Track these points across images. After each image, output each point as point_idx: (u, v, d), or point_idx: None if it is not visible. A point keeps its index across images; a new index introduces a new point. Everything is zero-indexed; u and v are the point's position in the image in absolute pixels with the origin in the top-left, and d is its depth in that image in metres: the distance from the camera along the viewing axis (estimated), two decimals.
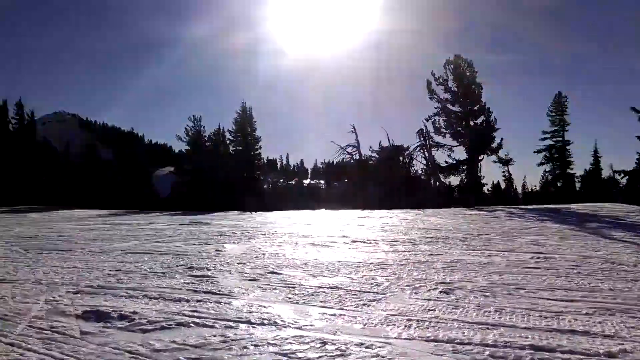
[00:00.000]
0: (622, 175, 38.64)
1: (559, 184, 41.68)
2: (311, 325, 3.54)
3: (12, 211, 26.55)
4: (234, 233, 11.18)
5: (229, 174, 38.76)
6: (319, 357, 2.90)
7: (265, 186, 44.98)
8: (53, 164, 41.54)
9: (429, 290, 4.67)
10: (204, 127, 42.11)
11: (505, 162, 40.40)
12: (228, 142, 43.59)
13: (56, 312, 3.94)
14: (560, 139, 41.08)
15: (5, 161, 37.11)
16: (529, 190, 54.64)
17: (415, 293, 4.56)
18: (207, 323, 3.60)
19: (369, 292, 4.63)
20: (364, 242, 8.98)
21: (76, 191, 38.00)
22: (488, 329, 3.37)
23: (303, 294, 4.59)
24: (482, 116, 33.82)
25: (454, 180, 37.22)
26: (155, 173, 51.55)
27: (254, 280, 5.32)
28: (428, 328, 3.43)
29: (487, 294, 4.46)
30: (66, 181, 39.63)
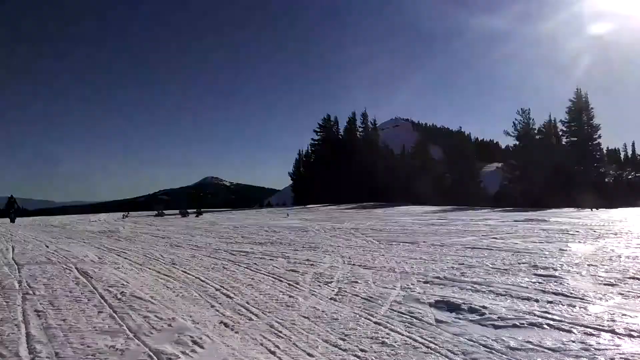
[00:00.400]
0: None
1: None
2: None
3: (360, 207, 30.82)
4: (577, 231, 10.17)
5: (561, 167, 35.54)
6: None
7: (606, 179, 39.52)
8: (392, 164, 46.42)
9: None
10: (532, 119, 39.94)
11: None
12: (560, 133, 40.09)
13: (411, 299, 4.33)
14: None
15: (354, 163, 43.57)
16: None
17: None
18: (562, 327, 3.35)
19: None
20: None
21: (410, 188, 41.29)
22: None
23: None
24: None
25: None
26: (483, 169, 51.55)
27: (612, 285, 4.70)
28: None
29: None
30: (402, 179, 43.51)
